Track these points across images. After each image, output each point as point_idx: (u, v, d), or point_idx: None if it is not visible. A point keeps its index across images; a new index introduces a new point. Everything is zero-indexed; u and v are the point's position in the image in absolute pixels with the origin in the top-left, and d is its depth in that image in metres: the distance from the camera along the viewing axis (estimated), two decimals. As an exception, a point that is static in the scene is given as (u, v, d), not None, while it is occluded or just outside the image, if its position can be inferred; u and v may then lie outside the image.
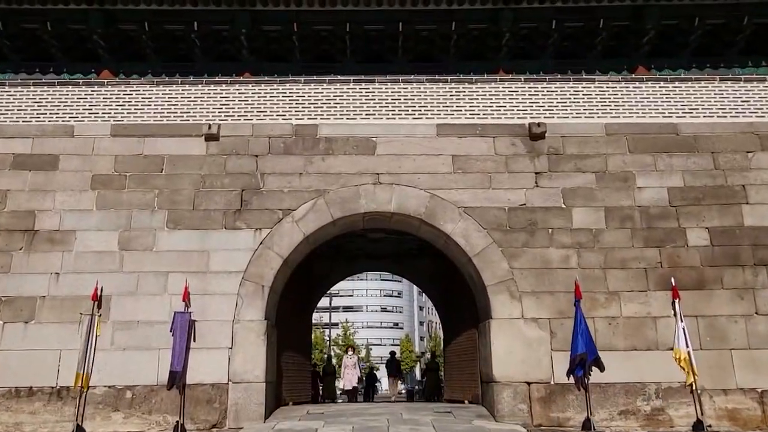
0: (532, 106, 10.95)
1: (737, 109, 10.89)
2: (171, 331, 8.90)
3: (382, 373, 30.28)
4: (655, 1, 10.96)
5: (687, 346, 8.62)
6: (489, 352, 9.80)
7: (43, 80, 11.23)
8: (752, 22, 11.13)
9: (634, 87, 11.04)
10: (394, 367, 21.16)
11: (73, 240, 10.18)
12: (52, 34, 11.19)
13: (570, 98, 10.99)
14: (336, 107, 10.98)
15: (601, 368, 8.76)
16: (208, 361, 9.53)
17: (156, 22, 11.14)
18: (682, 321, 8.75)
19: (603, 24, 11.12)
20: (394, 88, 11.06)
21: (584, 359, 8.62)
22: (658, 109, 10.91)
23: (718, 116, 10.86)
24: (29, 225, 10.28)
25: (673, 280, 9.38)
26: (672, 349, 8.92)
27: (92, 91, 11.10)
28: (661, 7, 11.01)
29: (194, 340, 9.01)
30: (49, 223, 10.28)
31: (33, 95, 11.09)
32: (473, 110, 10.94)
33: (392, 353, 22.41)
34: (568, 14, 11.09)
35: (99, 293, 8.99)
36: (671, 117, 10.86)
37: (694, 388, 8.60)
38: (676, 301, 8.91)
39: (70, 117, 10.95)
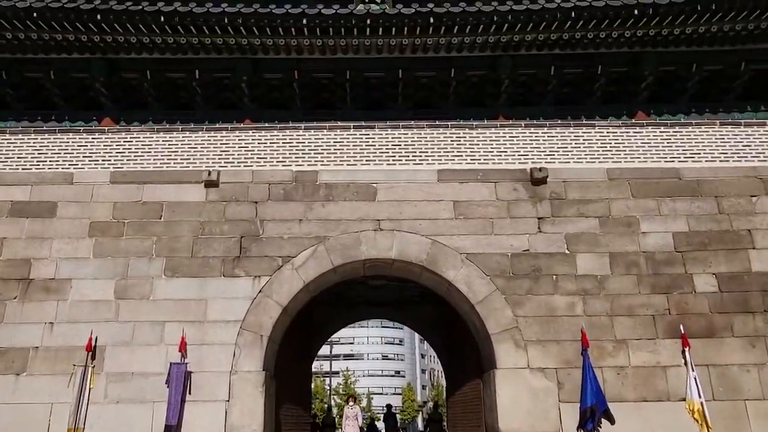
0: (533, 152, 10.93)
1: (739, 153, 10.87)
2: (166, 383, 8.65)
3: (382, 425, 29.55)
4: (652, 48, 11.08)
5: (699, 397, 8.35)
6: (494, 403, 9.48)
7: (45, 128, 11.26)
8: (749, 68, 11.21)
9: (634, 132, 11.05)
10: (391, 421, 20.62)
11: (68, 289, 9.99)
12: (55, 83, 11.28)
13: (571, 143, 10.99)
14: (336, 153, 10.96)
15: (612, 420, 8.47)
16: (204, 414, 9.20)
17: (158, 71, 11.23)
18: (693, 370, 8.49)
19: (601, 70, 11.21)
20: (394, 134, 11.07)
21: (594, 411, 8.32)
22: (659, 154, 10.89)
23: (720, 161, 10.83)
24: (24, 274, 10.12)
25: (682, 327, 9.16)
26: (684, 399, 8.62)
27: (93, 138, 11.12)
28: (659, 54, 11.12)
29: (190, 393, 8.74)
30: (44, 272, 10.11)
31: (33, 143, 11.10)
32: (474, 156, 10.92)
33: (389, 406, 21.88)
34: (566, 61, 11.19)
35: (93, 343, 8.77)
36: (673, 162, 10.83)
37: (708, 441, 8.27)
38: (686, 349, 8.68)
39: (69, 164, 10.93)
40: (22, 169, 10.90)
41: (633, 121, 11.21)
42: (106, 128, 11.21)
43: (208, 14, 10.16)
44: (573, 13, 10.14)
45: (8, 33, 10.42)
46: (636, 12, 10.15)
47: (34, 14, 10.11)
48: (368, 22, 10.18)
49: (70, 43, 10.70)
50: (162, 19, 10.18)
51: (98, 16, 10.12)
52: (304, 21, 10.17)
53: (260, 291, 10.00)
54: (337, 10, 10.17)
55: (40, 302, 9.90)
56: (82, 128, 11.23)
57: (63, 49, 10.91)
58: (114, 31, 10.40)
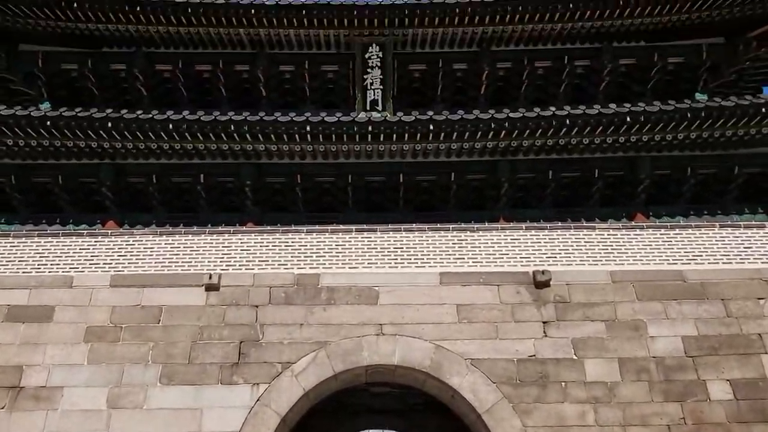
0: (535, 254, 10.92)
1: (741, 255, 10.85)
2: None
3: None
4: (646, 153, 11.38)
5: None
6: None
7: (48, 231, 11.31)
8: (743, 172, 11.47)
9: (635, 234, 11.09)
10: None
11: (59, 397, 9.62)
12: (62, 188, 11.48)
13: (572, 246, 11.00)
14: (338, 256, 10.94)
15: None
16: None
17: (164, 175, 11.48)
18: (715, 487, 7.98)
19: (598, 174, 11.45)
20: (396, 237, 11.11)
21: None
22: (662, 256, 10.87)
23: (723, 263, 10.79)
24: (15, 381, 9.78)
25: (699, 438, 8.71)
26: None
27: (95, 241, 11.14)
28: (653, 159, 11.40)
29: None
30: (36, 379, 9.78)
31: (36, 246, 11.12)
32: (476, 258, 10.89)
33: None
34: (563, 165, 11.46)
35: (80, 458, 8.30)
36: (676, 264, 10.78)
37: None
38: (707, 463, 8.20)
39: (70, 267, 10.88)
40: (23, 272, 10.84)
41: (633, 223, 11.29)
42: (110, 231, 11.26)
43: (216, 122, 10.52)
44: (567, 121, 10.51)
45: (21, 140, 10.73)
46: (628, 119, 10.51)
47: (48, 122, 10.46)
48: (370, 129, 10.52)
49: (81, 150, 11.00)
50: (170, 126, 10.53)
51: (109, 124, 10.47)
52: (308, 128, 10.51)
53: (258, 399, 9.62)
54: (339, 118, 10.54)
55: (28, 412, 9.49)
56: (85, 232, 11.28)
57: (73, 155, 11.21)
58: (123, 138, 10.72)
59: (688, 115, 10.43)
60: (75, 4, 11.77)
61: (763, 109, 10.36)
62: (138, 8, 11.81)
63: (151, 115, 10.51)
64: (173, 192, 11.70)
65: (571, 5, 11.89)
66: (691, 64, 13.17)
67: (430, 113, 10.60)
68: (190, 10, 11.87)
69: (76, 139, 10.69)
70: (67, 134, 10.59)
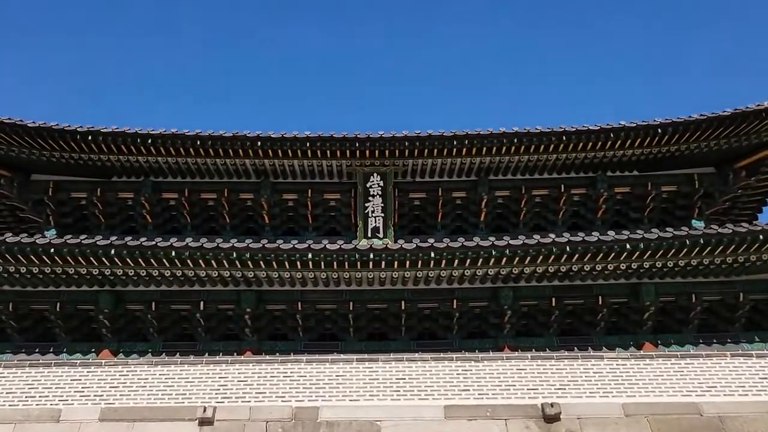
0: (542, 385, 10.50)
1: (757, 387, 10.42)
2: None
3: None
4: (649, 280, 11.33)
5: None
6: None
7: (40, 361, 10.97)
8: (749, 299, 11.35)
9: (645, 364, 10.73)
10: None
11: None
12: (59, 315, 11.31)
13: (581, 376, 10.60)
14: (338, 387, 10.51)
15: None
16: None
17: (163, 302, 11.37)
18: None
19: (602, 301, 11.34)
20: (398, 367, 10.72)
21: None
22: (674, 387, 10.43)
23: (739, 394, 10.34)
24: None
25: None
26: None
27: (88, 371, 10.75)
28: (656, 285, 11.33)
29: None
30: None
31: (26, 377, 10.70)
32: (481, 389, 10.46)
33: None
34: (566, 292, 11.37)
35: None
36: (690, 395, 10.32)
37: None
38: None
39: (59, 400, 10.41)
40: (9, 405, 10.35)
41: (642, 352, 10.97)
42: (103, 361, 10.92)
43: (218, 249, 10.55)
44: (567, 248, 10.54)
45: (24, 267, 10.71)
46: (628, 246, 10.54)
47: (52, 250, 10.49)
48: (371, 256, 10.53)
49: (82, 276, 10.95)
50: (173, 253, 10.54)
51: (112, 251, 10.49)
52: (310, 255, 10.51)
53: None
54: (341, 245, 10.58)
55: None
56: (78, 361, 10.93)
57: (74, 282, 11.15)
58: (126, 265, 10.70)
59: (687, 242, 10.49)
60: (89, 137, 12.30)
61: (761, 237, 10.44)
62: (149, 141, 12.32)
63: (154, 242, 10.57)
64: (171, 319, 11.53)
65: (564, 138, 12.43)
66: (685, 192, 13.53)
67: (431, 240, 10.67)
68: (199, 143, 12.38)
69: (78, 266, 10.68)
70: (69, 261, 10.60)
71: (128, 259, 10.63)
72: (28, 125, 12.18)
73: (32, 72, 36.64)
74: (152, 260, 10.63)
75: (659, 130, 12.38)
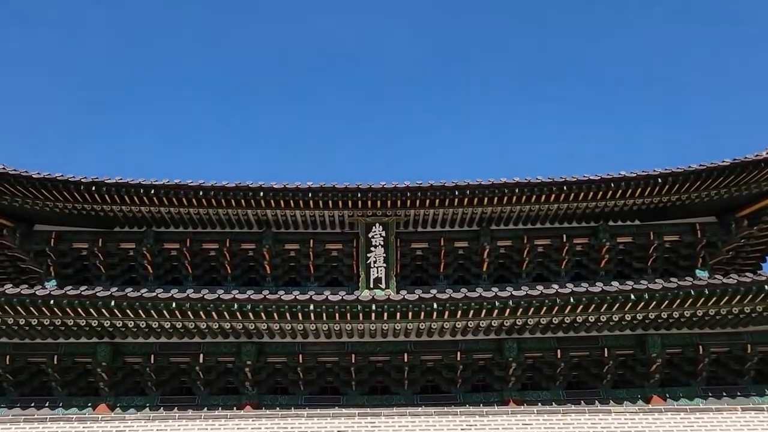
0: (549, 441, 10.24)
1: (770, 442, 10.17)
2: None
3: None
4: (655, 331, 11.18)
5: None
6: None
7: (35, 416, 10.73)
8: (756, 350, 11.18)
9: (653, 419, 10.49)
10: None
11: None
12: (56, 368, 11.13)
13: (589, 431, 10.34)
14: (340, 444, 10.26)
15: None
16: None
17: (162, 355, 11.20)
18: None
19: (608, 353, 11.16)
20: (401, 422, 10.49)
21: None
22: (686, 443, 10.17)
23: (752, 450, 10.08)
24: None
25: None
26: None
27: (83, 427, 10.53)
28: (662, 336, 11.17)
29: None
30: None
31: (20, 432, 10.47)
32: (487, 447, 10.19)
33: None
34: (571, 343, 11.21)
35: None
36: (704, 452, 10.06)
37: None
38: None
39: (52, 459, 10.15)
40: (1, 462, 10.11)
41: (650, 406, 10.73)
42: (100, 416, 10.69)
43: (219, 300, 10.45)
44: (571, 299, 10.43)
45: (23, 319, 10.59)
46: (632, 297, 10.43)
47: (52, 301, 10.39)
48: (374, 307, 10.42)
49: (80, 328, 10.83)
50: (174, 304, 10.44)
51: (112, 303, 10.39)
52: (311, 306, 10.40)
53: None
54: (343, 296, 10.49)
55: None
56: (74, 416, 10.71)
57: (72, 334, 11.02)
58: (125, 317, 10.58)
59: (692, 292, 10.39)
60: (93, 188, 12.38)
61: (766, 287, 10.35)
62: (152, 191, 12.38)
63: (155, 293, 10.48)
64: (170, 373, 11.33)
65: (565, 188, 12.49)
66: (688, 241, 13.50)
67: (434, 291, 10.57)
68: (201, 193, 12.44)
69: (77, 317, 10.57)
70: (69, 313, 10.49)
71: (128, 311, 10.51)
72: (33, 176, 12.27)
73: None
74: (153, 312, 10.51)
75: (659, 180, 12.44)
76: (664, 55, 37.89)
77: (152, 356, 11.18)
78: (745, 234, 13.42)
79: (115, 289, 10.72)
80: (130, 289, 10.80)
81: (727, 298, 10.50)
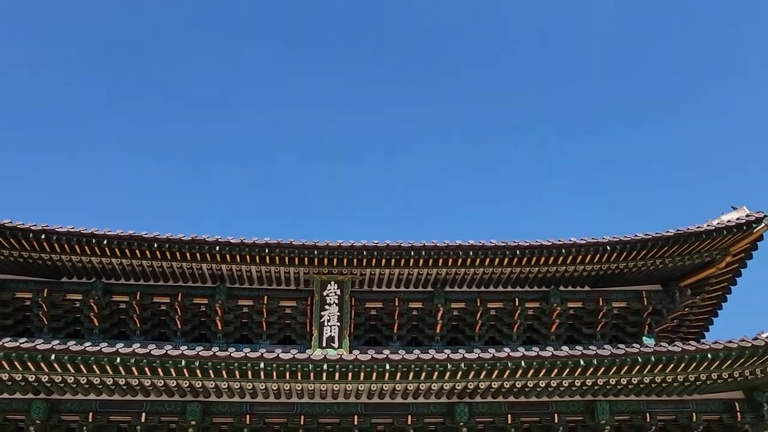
0: None
1: None
2: None
3: None
4: (603, 397, 11.23)
5: None
6: None
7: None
8: (701, 419, 11.36)
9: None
10: None
11: None
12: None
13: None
14: None
15: None
16: None
17: (101, 413, 10.72)
18: None
19: (558, 418, 11.17)
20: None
21: None
22: None
23: None
24: None
25: None
26: None
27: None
28: (611, 403, 11.21)
29: None
30: None
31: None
32: None
33: None
34: (522, 408, 11.19)
35: None
36: None
37: None
38: None
39: None
40: None
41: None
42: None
43: (167, 356, 10.09)
44: (523, 362, 10.47)
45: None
46: (582, 362, 10.54)
47: None
48: (325, 367, 10.24)
49: (16, 383, 10.25)
50: (118, 359, 10.05)
51: (52, 357, 9.87)
52: (262, 365, 10.16)
53: None
54: (294, 355, 10.29)
55: None
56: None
57: (6, 389, 10.41)
58: (65, 372, 10.05)
59: (639, 359, 10.56)
60: (42, 236, 12.06)
61: (709, 356, 10.61)
62: (104, 242, 12.14)
63: (98, 347, 10.09)
64: (109, 432, 10.82)
65: (517, 252, 12.77)
66: (635, 308, 13.86)
67: (387, 352, 10.49)
68: (156, 245, 12.26)
69: (13, 371, 10.06)
70: (4, 366, 9.99)
71: (69, 365, 10.06)
72: (-22, 222, 11.94)
73: None
74: (95, 367, 10.09)
75: (607, 248, 12.85)
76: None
77: (91, 414, 10.68)
78: (689, 303, 13.89)
79: (56, 342, 10.29)
80: (73, 342, 10.39)
81: (672, 366, 10.72)
